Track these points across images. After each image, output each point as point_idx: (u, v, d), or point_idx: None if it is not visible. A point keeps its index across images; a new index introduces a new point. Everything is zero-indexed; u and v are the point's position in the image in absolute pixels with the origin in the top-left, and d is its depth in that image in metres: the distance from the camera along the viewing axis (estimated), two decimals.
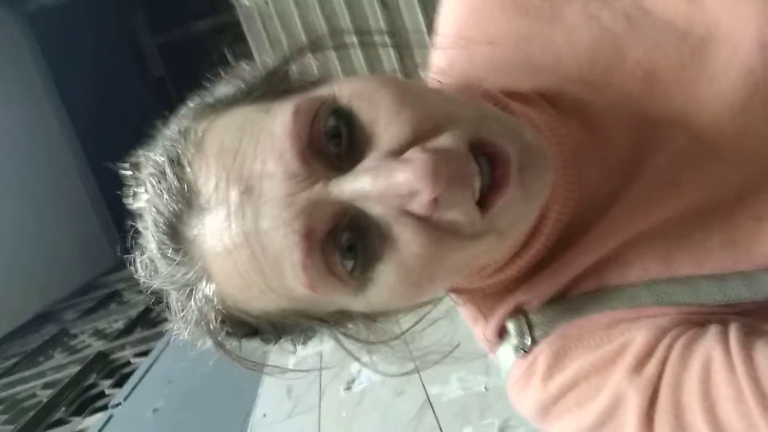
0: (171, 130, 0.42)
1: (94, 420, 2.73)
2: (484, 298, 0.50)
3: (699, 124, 0.44)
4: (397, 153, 0.36)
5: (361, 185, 0.36)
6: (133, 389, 2.90)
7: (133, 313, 4.32)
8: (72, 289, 5.60)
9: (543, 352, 0.45)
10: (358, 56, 2.67)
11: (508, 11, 0.52)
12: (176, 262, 0.40)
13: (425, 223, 0.36)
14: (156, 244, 0.40)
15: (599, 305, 0.45)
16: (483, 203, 0.37)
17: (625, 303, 0.44)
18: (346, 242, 0.37)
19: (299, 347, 0.47)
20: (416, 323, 0.49)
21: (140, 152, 0.45)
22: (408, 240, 0.36)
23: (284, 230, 0.35)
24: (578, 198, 0.46)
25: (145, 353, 3.40)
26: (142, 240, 0.43)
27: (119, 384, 3.17)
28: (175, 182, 0.38)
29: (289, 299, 0.39)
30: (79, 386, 3.32)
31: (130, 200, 0.45)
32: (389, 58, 2.45)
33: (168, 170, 0.39)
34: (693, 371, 0.38)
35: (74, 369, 3.52)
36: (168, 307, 0.45)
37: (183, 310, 0.43)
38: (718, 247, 0.42)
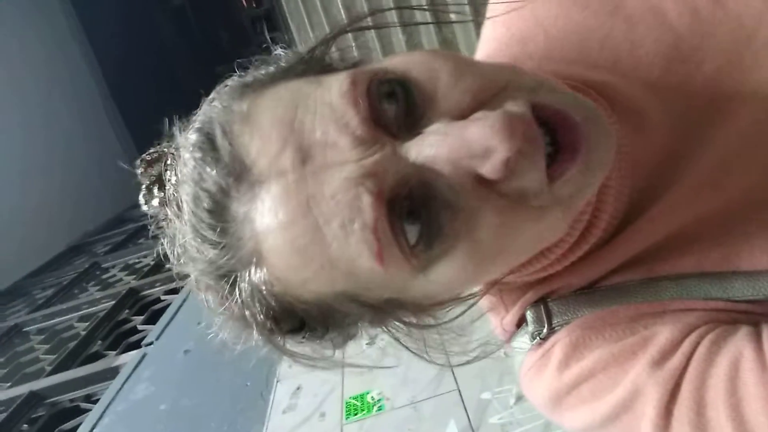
0: (209, 107, 0.40)
1: (129, 357, 2.87)
2: (510, 290, 0.49)
3: (749, 128, 0.43)
4: (462, 117, 0.35)
5: (432, 145, 0.34)
6: (164, 329, 3.03)
7: (162, 248, 4.40)
8: (102, 222, 5.75)
9: (560, 341, 0.44)
10: (398, 38, 2.59)
11: (565, 2, 0.50)
12: (221, 245, 0.37)
13: (494, 192, 0.35)
14: (194, 228, 0.38)
15: (624, 297, 0.44)
16: (550, 175, 0.36)
17: (651, 296, 0.43)
18: (407, 209, 0.35)
19: (338, 348, 0.45)
20: (465, 311, 0.47)
21: (155, 149, 0.44)
22: (479, 209, 0.35)
23: (355, 190, 0.33)
24: (628, 198, 0.46)
25: (174, 291, 3.52)
26: (171, 228, 0.41)
27: (151, 321, 3.31)
28: (226, 153, 0.36)
29: (347, 276, 0.36)
30: (112, 321, 3.47)
31: (145, 197, 0.43)
32: (430, 40, 2.36)
33: (218, 140, 0.37)
34: (720, 368, 0.37)
35: (107, 303, 3.67)
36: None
37: (224, 303, 0.40)
38: (756, 247, 0.41)
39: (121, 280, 4.27)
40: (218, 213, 0.37)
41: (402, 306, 0.42)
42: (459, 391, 1.81)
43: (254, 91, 0.39)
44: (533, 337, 0.46)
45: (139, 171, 0.44)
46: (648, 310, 0.43)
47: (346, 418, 1.91)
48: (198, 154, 0.37)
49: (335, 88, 0.35)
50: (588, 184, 0.38)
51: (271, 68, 0.42)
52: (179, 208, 0.40)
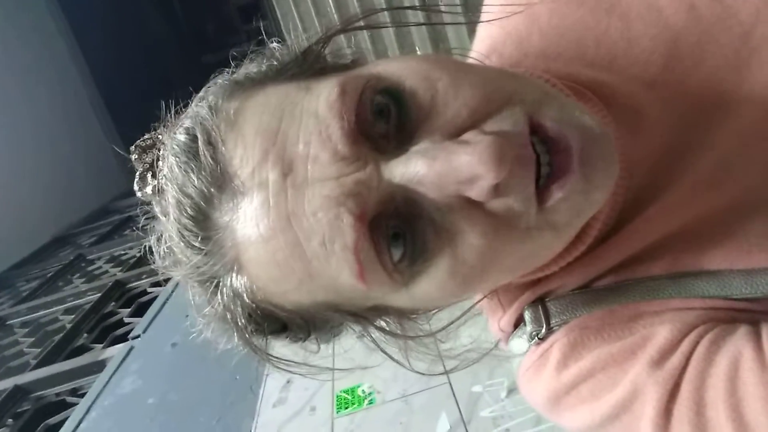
0: (198, 107, 0.39)
1: (116, 350, 2.84)
2: (506, 291, 0.49)
3: (748, 126, 0.43)
4: (454, 135, 0.34)
5: (417, 168, 0.33)
6: (151, 321, 3.01)
7: (148, 240, 4.37)
8: (87, 212, 5.68)
9: (559, 342, 0.44)
10: (390, 39, 2.57)
11: (560, 0, 0.49)
12: (204, 252, 0.37)
13: (481, 212, 0.34)
14: (179, 232, 0.38)
15: (622, 297, 0.44)
16: (539, 195, 0.35)
17: (650, 295, 0.43)
18: (392, 230, 0.35)
19: (323, 346, 0.46)
20: (454, 321, 0.47)
21: (157, 129, 0.43)
22: (465, 229, 0.34)
23: (336, 210, 0.33)
24: (623, 198, 0.45)
25: (160, 284, 3.49)
26: (159, 226, 0.41)
27: (137, 313, 3.28)
28: (209, 161, 0.36)
29: (327, 290, 0.37)
30: (98, 314, 3.44)
31: (138, 184, 0.42)
32: (422, 39, 2.34)
33: (201, 146, 0.36)
34: (720, 368, 0.37)
35: (93, 296, 3.63)
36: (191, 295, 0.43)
37: (207, 305, 0.41)
38: (755, 245, 0.41)
39: (106, 272, 4.22)
40: (201, 221, 0.37)
41: (385, 313, 0.42)
42: (450, 384, 1.81)
43: (244, 91, 0.38)
44: (531, 338, 0.46)
45: (133, 157, 0.43)
46: (647, 309, 0.43)
47: (337, 412, 1.90)
48: (182, 159, 0.37)
49: (323, 96, 0.34)
50: (584, 209, 0.37)
51: (263, 66, 0.41)
52: (165, 207, 0.40)
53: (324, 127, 0.33)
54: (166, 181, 0.39)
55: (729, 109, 0.44)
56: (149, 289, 3.56)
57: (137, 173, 0.43)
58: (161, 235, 0.41)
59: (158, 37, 7.35)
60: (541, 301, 0.47)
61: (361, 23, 0.46)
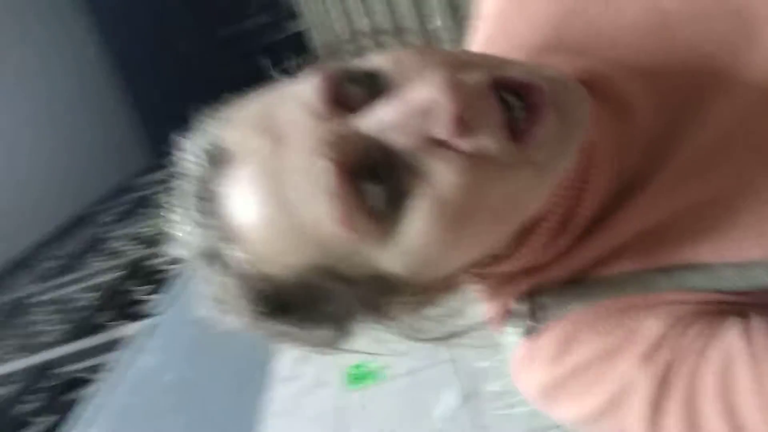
0: (209, 122, 0.41)
1: (137, 327, 2.88)
2: (498, 280, 0.49)
3: (740, 112, 0.42)
4: (420, 80, 0.36)
5: (379, 114, 0.35)
6: (172, 300, 3.04)
7: (167, 219, 4.41)
8: (105, 190, 5.74)
9: (551, 335, 0.44)
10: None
11: None
12: (204, 224, 0.39)
13: (455, 151, 0.35)
14: (185, 211, 0.40)
15: (614, 290, 0.44)
16: (516, 135, 0.35)
17: (642, 288, 0.43)
18: (372, 178, 0.36)
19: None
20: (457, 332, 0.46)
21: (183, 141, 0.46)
22: (440, 169, 0.35)
23: (318, 159, 0.35)
24: (611, 185, 0.45)
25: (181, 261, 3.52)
26: (172, 215, 0.42)
27: (159, 291, 3.32)
28: (209, 149, 0.39)
29: (318, 245, 0.38)
30: (120, 292, 3.49)
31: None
32: None
33: (205, 146, 0.39)
34: (711, 361, 0.37)
35: (114, 274, 3.69)
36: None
37: (213, 284, 0.41)
38: (746, 237, 0.41)
39: (127, 250, 4.27)
40: (200, 196, 0.39)
41: (390, 287, 0.41)
42: (456, 360, 1.84)
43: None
44: (524, 331, 0.46)
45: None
46: (639, 302, 0.43)
47: (348, 387, 1.92)
48: (188, 164, 0.40)
49: (306, 80, 0.37)
50: (561, 146, 0.37)
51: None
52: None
53: (306, 99, 0.37)
54: (181, 174, 0.41)
55: (721, 93, 0.43)
56: (170, 267, 3.59)
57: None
58: (172, 220, 0.42)
59: (173, 11, 7.34)
60: (534, 294, 0.46)
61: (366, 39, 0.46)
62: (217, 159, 0.38)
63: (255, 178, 0.37)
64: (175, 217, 0.42)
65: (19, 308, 3.65)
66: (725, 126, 0.43)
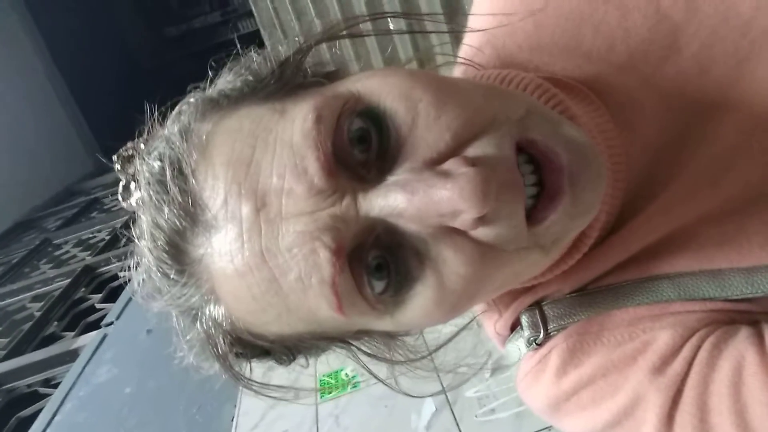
0: (170, 129, 0.38)
1: (89, 338, 2.77)
2: (503, 294, 0.48)
3: (747, 122, 0.42)
4: (436, 162, 0.33)
5: (396, 202, 0.33)
6: (124, 308, 2.94)
7: (117, 223, 4.30)
8: (51, 195, 5.51)
9: (557, 347, 0.44)
10: (373, 45, 2.50)
11: None
12: (180, 283, 0.37)
13: (467, 239, 0.34)
14: (155, 262, 0.38)
15: (620, 300, 0.43)
16: (529, 216, 0.34)
17: (648, 298, 0.42)
18: (374, 261, 0.34)
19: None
20: (445, 343, 0.48)
21: (131, 145, 0.42)
22: (449, 258, 0.33)
23: (311, 245, 0.32)
24: (621, 200, 0.44)
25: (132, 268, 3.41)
26: (137, 250, 0.40)
27: (110, 299, 3.21)
28: (178, 195, 0.35)
29: (308, 322, 0.36)
30: (68, 300, 3.35)
31: (122, 195, 0.42)
32: (404, 43, 2.28)
33: (169, 180, 0.35)
34: (723, 373, 0.37)
35: (62, 282, 3.54)
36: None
37: (188, 333, 0.41)
38: (756, 245, 0.40)
39: (75, 256, 4.11)
40: (174, 254, 0.36)
41: (370, 335, 0.42)
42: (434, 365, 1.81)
43: (217, 111, 0.37)
44: (529, 343, 0.45)
45: (116, 167, 0.42)
46: (646, 313, 0.42)
47: (321, 397, 1.88)
48: (154, 189, 0.36)
49: (298, 123, 0.33)
50: (571, 229, 0.37)
51: (238, 82, 0.39)
52: (142, 232, 0.39)
53: (299, 159, 0.32)
54: (141, 209, 0.38)
55: (728, 102, 0.43)
56: (121, 274, 3.47)
57: (120, 184, 0.42)
58: (139, 262, 0.40)
59: (119, 11, 7.09)
60: (538, 306, 0.46)
61: (341, 32, 0.44)
62: (193, 216, 0.35)
63: (238, 252, 0.33)
64: (144, 260, 0.39)
65: None
66: (732, 138, 0.42)
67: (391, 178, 0.33)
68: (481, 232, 0.33)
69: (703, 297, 0.41)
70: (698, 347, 0.39)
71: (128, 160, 0.42)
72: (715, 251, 0.41)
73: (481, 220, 0.32)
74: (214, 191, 0.34)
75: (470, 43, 0.51)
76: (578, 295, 0.45)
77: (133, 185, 0.41)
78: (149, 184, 0.37)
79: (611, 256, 0.44)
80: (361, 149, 0.34)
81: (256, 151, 0.33)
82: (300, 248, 0.32)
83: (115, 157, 0.42)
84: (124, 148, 0.42)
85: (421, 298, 0.35)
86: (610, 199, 0.43)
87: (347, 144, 0.33)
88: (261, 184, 0.33)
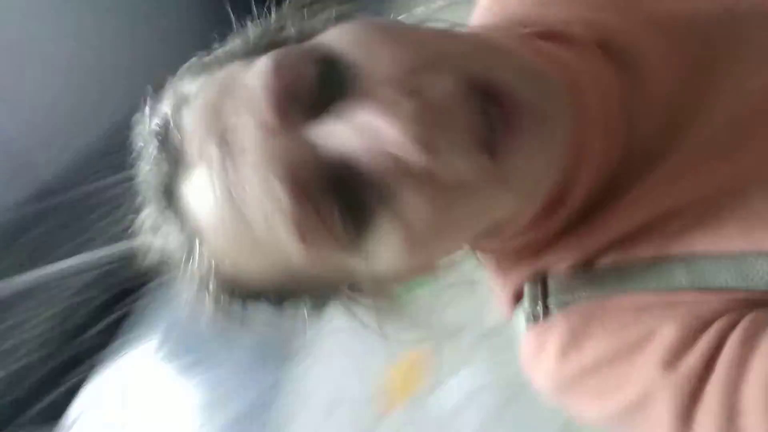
0: (169, 90, 0.42)
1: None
2: (507, 259, 0.47)
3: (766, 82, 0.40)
4: (379, 96, 0.34)
5: (342, 140, 0.34)
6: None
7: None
8: None
9: (558, 326, 0.41)
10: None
11: None
12: (172, 221, 0.40)
13: (425, 176, 0.33)
14: (152, 204, 0.41)
15: (628, 282, 0.40)
16: (492, 150, 0.34)
17: (658, 283, 0.39)
18: (333, 193, 0.34)
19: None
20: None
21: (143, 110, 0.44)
22: (408, 198, 0.34)
23: (267, 178, 0.34)
24: (618, 156, 0.41)
25: None
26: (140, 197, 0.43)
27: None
28: (168, 146, 0.38)
29: (284, 262, 0.37)
30: None
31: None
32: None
33: (162, 135, 0.39)
34: (757, 373, 0.33)
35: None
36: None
37: (184, 273, 0.41)
38: None
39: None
40: (163, 193, 0.39)
41: (357, 287, 0.42)
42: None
43: (206, 71, 0.40)
44: (528, 318, 0.43)
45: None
46: (655, 299, 0.39)
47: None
48: (147, 146, 0.40)
49: (256, 67, 0.36)
50: (536, 166, 0.36)
51: (230, 46, 0.42)
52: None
53: (253, 97, 0.35)
54: (139, 162, 0.42)
55: (746, 60, 0.40)
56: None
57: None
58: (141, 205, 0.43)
59: None
60: (542, 278, 0.44)
61: None
62: (176, 159, 0.38)
63: (209, 189, 0.36)
64: (141, 214, 0.43)
65: None
66: (750, 98, 0.40)
67: (335, 108, 0.34)
68: (432, 164, 0.33)
69: (720, 287, 0.37)
70: (719, 343, 0.35)
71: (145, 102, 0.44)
72: (736, 231, 0.38)
73: (426, 150, 0.32)
74: (191, 134, 0.37)
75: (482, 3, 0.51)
76: (582, 271, 0.43)
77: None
78: (144, 140, 0.41)
79: (616, 224, 0.41)
80: (319, 89, 0.35)
81: (224, 96, 0.36)
82: (257, 180, 0.34)
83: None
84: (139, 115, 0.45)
85: (385, 232, 0.35)
86: (602, 153, 0.41)
87: (305, 85, 0.35)
88: (224, 125, 0.35)
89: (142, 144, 0.42)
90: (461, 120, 0.33)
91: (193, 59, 0.43)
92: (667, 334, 0.37)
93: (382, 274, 0.40)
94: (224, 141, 0.35)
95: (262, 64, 0.35)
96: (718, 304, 0.37)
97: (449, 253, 0.43)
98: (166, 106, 0.40)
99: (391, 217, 0.34)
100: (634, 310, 0.39)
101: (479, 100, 0.34)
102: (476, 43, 0.38)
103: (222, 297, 0.41)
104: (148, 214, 0.42)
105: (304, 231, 0.34)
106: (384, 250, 0.36)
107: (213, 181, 0.35)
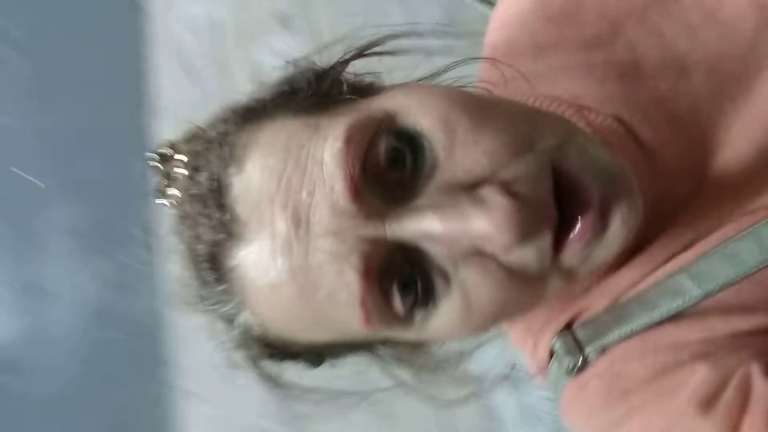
0: (209, 135, 0.39)
1: None
2: (534, 317, 0.47)
3: (763, 139, 0.42)
4: (471, 186, 0.33)
5: (429, 226, 0.33)
6: None
7: None
8: None
9: (599, 374, 0.42)
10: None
11: (558, 23, 0.49)
12: (216, 289, 0.38)
13: (494, 261, 0.34)
14: (194, 268, 0.39)
15: (647, 309, 0.41)
16: (555, 244, 0.34)
17: (675, 299, 0.40)
18: (404, 279, 0.35)
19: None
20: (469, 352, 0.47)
21: (168, 143, 0.42)
22: (476, 281, 0.34)
23: (339, 266, 0.33)
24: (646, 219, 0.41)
25: None
26: (179, 246, 0.41)
27: None
28: (215, 209, 0.36)
29: (339, 333, 0.38)
30: None
31: (157, 194, 0.42)
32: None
33: (207, 193, 0.37)
34: None
35: None
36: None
37: (225, 335, 0.41)
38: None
39: None
40: (210, 262, 0.38)
41: (397, 343, 0.42)
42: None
43: (255, 119, 0.38)
44: (568, 372, 0.44)
45: (152, 164, 0.43)
46: (691, 335, 0.40)
47: None
48: (192, 199, 0.38)
49: (329, 142, 0.34)
50: (597, 260, 0.37)
51: (275, 92, 0.40)
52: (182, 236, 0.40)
53: (328, 178, 0.33)
54: (179, 218, 0.39)
55: (744, 122, 0.43)
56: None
57: (158, 182, 0.43)
58: (181, 263, 0.41)
59: None
60: (569, 329, 0.45)
61: (383, 45, 0.44)
62: (229, 229, 0.36)
63: (270, 266, 0.35)
64: (180, 254, 0.40)
65: None
66: (754, 157, 0.42)
67: (424, 201, 0.34)
68: (508, 258, 0.34)
69: (721, 282, 0.39)
70: (749, 374, 0.36)
71: (166, 159, 0.42)
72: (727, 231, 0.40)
73: (514, 243, 0.33)
74: (249, 205, 0.35)
75: (492, 44, 0.52)
76: (607, 310, 0.44)
77: (166, 186, 0.41)
78: (187, 194, 0.38)
79: (647, 264, 0.43)
80: (395, 170, 0.34)
81: (288, 166, 0.34)
82: (329, 268, 0.33)
83: (151, 153, 0.42)
84: (161, 146, 0.43)
85: (446, 316, 0.36)
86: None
87: (380, 165, 0.34)
88: (292, 200, 0.34)
89: (184, 192, 0.39)
90: (547, 219, 0.34)
91: (235, 103, 0.40)
92: (701, 374, 0.37)
93: (429, 341, 0.42)
94: (295, 220, 0.34)
95: (336, 137, 0.33)
96: (750, 335, 0.39)
97: (500, 325, 0.44)
98: (208, 157, 0.38)
99: (454, 295, 0.35)
100: (673, 348, 0.40)
101: (558, 192, 0.34)
102: (554, 123, 0.38)
103: (262, 357, 0.41)
104: (190, 273, 0.39)
105: (368, 312, 0.34)
106: (439, 323, 0.36)
107: (276, 260, 0.34)
